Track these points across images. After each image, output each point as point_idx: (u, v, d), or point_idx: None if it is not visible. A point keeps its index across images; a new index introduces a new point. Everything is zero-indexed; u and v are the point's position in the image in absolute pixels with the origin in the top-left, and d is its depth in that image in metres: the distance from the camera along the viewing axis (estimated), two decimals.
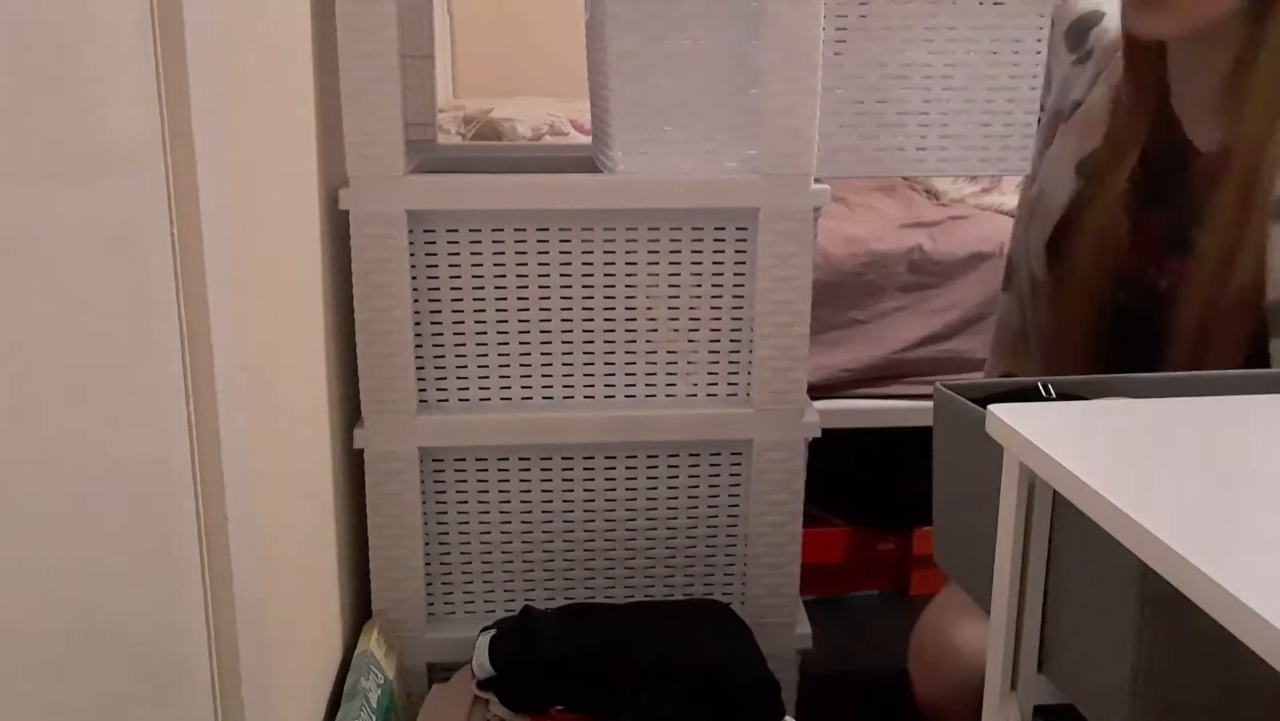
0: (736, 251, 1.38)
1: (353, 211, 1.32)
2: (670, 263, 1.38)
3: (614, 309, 1.40)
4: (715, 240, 1.38)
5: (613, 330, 1.40)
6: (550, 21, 3.24)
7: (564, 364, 1.41)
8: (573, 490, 1.44)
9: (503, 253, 1.37)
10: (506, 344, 1.39)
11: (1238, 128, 1.21)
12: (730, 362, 1.42)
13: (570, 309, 1.39)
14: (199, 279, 0.85)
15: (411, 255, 1.35)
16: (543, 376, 1.41)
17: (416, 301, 1.36)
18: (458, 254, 1.36)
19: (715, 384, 1.43)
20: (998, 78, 1.35)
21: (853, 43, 1.34)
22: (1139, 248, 1.29)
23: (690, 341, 1.41)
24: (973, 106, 1.35)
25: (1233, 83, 1.21)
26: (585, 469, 1.43)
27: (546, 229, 1.36)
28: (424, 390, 1.40)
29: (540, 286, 1.38)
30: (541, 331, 1.39)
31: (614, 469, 1.44)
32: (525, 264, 1.37)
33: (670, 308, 1.40)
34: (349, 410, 1.41)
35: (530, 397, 1.41)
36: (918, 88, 1.35)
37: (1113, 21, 1.34)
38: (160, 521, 0.82)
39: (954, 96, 1.36)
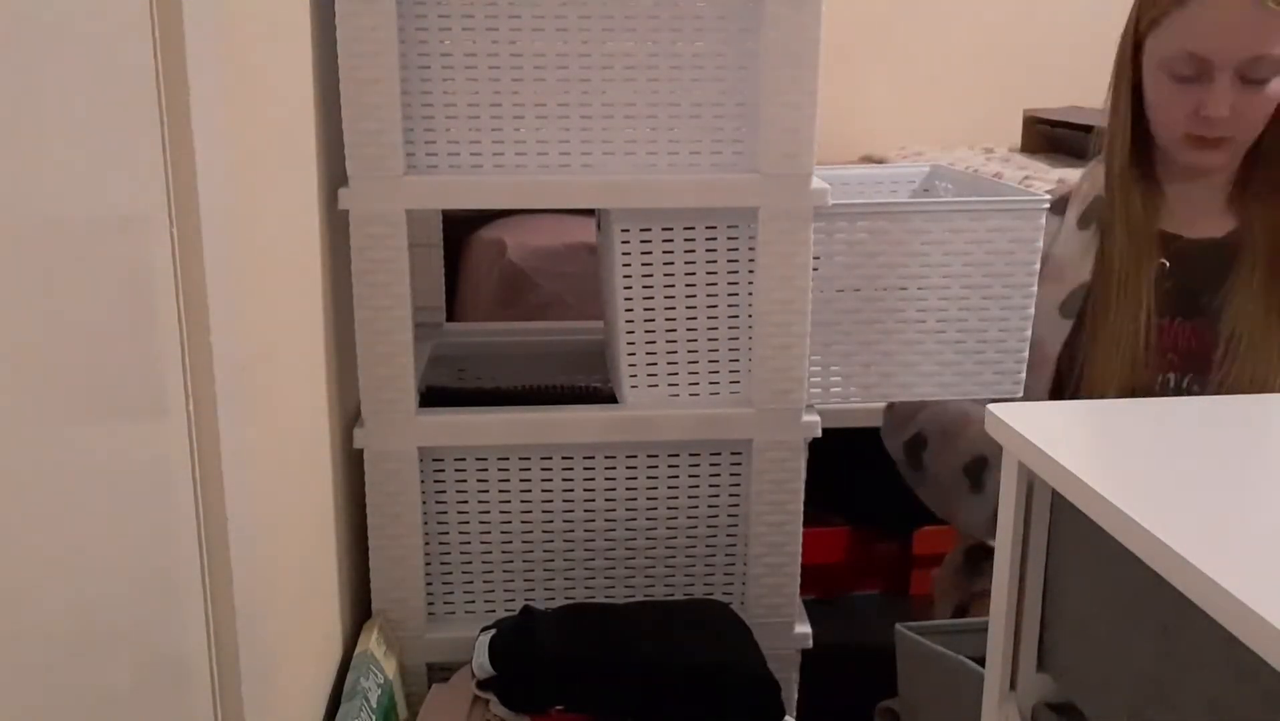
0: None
1: (353, 211, 1.32)
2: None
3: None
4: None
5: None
6: None
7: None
8: (573, 490, 1.44)
9: None
10: None
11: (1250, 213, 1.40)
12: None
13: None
14: (199, 278, 0.85)
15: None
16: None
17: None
18: None
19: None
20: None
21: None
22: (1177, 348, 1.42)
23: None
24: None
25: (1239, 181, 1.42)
26: (585, 469, 1.43)
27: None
28: None
29: None
30: None
31: (614, 469, 1.44)
32: None
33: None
34: (349, 410, 1.41)
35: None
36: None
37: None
38: (160, 521, 0.82)
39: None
